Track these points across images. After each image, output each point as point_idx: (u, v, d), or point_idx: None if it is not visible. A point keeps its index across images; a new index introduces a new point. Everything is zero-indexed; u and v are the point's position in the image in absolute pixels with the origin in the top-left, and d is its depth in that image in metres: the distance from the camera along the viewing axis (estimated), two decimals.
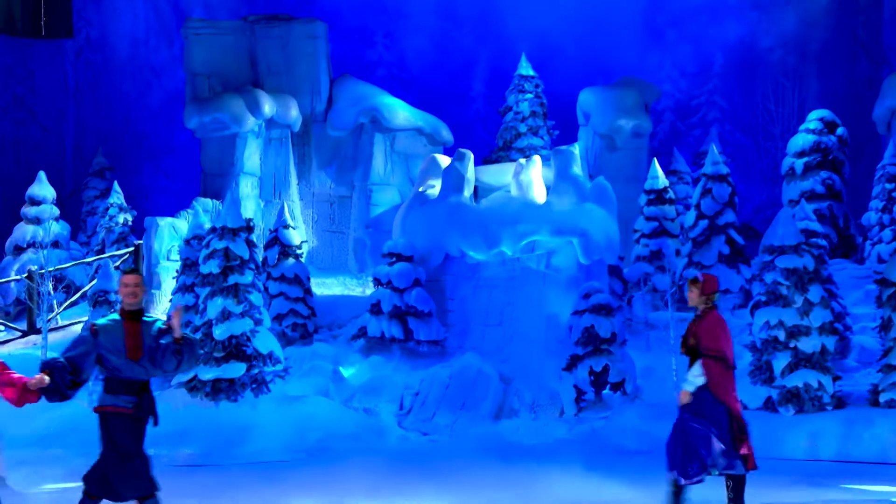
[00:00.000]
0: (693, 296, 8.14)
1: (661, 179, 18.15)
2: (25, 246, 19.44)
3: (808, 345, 12.64)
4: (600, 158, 20.51)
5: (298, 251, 16.73)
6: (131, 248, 18.43)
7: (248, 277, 13.79)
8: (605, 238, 15.60)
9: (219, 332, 13.50)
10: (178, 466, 11.35)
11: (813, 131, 19.45)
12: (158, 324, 7.04)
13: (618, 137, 20.42)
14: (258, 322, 13.62)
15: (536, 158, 16.62)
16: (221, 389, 13.33)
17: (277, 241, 16.57)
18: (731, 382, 8.08)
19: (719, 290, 8.34)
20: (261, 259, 16.17)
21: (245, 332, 13.44)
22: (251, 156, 19.75)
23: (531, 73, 21.34)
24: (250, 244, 14.11)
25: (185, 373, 7.10)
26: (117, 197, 19.74)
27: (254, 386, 13.45)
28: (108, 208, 19.69)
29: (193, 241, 15.63)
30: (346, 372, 15.02)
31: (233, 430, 12.63)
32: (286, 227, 16.65)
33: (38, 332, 17.00)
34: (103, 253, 19.05)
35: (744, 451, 8.12)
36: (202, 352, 13.45)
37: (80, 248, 20.42)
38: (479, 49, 24.37)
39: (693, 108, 24.28)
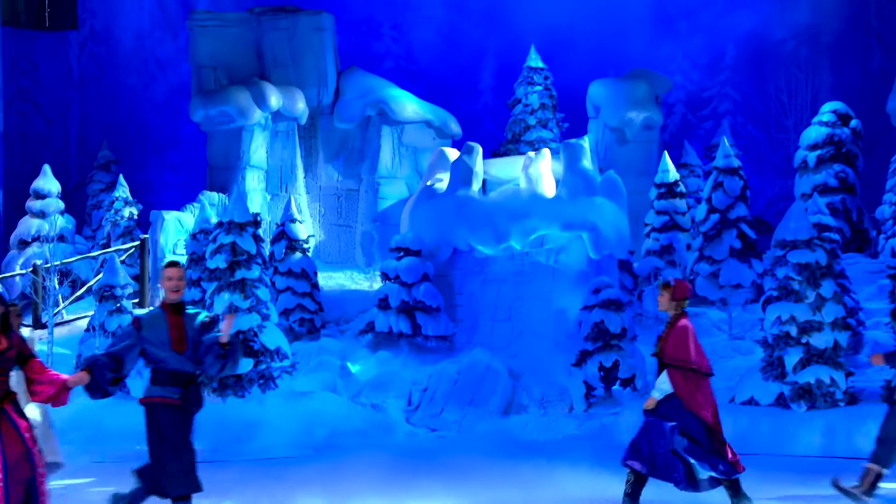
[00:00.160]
0: (663, 300, 8.05)
1: (672, 173, 18.16)
2: (30, 240, 19.53)
3: (820, 340, 12.66)
4: (610, 151, 20.52)
5: (305, 245, 16.78)
6: (137, 242, 18.51)
7: (256, 272, 13.85)
8: (615, 232, 15.62)
9: None
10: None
11: (826, 124, 19.42)
12: (201, 317, 7.09)
13: (628, 130, 20.42)
14: (265, 317, 13.68)
15: (546, 152, 16.63)
16: (228, 385, 13.40)
17: (284, 236, 16.63)
18: (698, 391, 7.96)
19: (690, 296, 8.17)
20: (267, 253, 16.23)
21: (252, 327, 13.50)
22: (257, 149, 19.80)
23: (540, 64, 21.33)
24: (257, 239, 14.16)
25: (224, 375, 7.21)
26: (123, 191, 19.81)
27: (261, 382, 13.52)
28: (113, 202, 19.77)
29: (200, 236, 15.70)
30: (354, 367, 15.08)
31: (240, 426, 12.70)
32: (293, 221, 16.71)
33: (43, 326, 17.08)
34: (109, 247, 19.14)
35: (729, 456, 8.09)
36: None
37: (85, 242, 20.51)
38: (487, 41, 24.37)
39: (704, 100, 24.26)
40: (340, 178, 20.38)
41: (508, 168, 17.68)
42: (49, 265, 16.48)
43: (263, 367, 13.53)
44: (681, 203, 18.04)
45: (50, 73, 25.03)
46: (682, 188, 18.28)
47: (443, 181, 16.70)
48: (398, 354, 15.39)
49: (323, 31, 20.45)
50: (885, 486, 8.75)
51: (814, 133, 19.41)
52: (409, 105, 20.07)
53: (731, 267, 16.60)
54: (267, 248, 16.39)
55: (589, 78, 21.02)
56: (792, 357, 12.73)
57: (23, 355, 6.76)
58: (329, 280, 18.21)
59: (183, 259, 16.95)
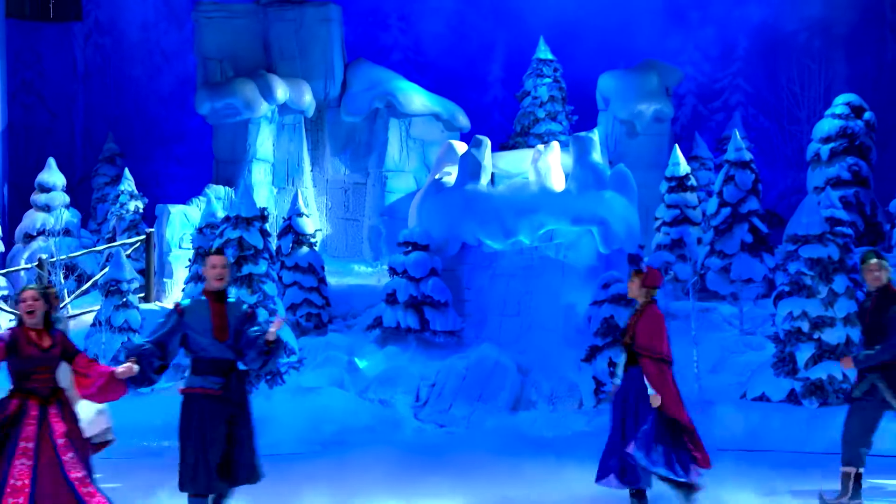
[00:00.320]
0: (633, 287, 8.15)
1: (683, 166, 18.16)
2: (35, 234, 19.62)
3: (832, 336, 12.69)
4: (620, 144, 20.53)
5: (312, 240, 16.83)
6: (143, 237, 18.58)
7: (263, 267, 13.91)
8: (625, 227, 15.64)
9: None
10: None
11: (839, 116, 19.38)
12: (243, 307, 7.12)
13: (638, 122, 20.43)
14: (272, 312, 13.74)
15: (555, 145, 16.65)
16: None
17: (291, 230, 16.68)
18: (668, 382, 8.05)
19: (660, 285, 8.26)
20: (274, 248, 16.28)
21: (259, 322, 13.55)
22: (264, 142, 19.85)
23: (550, 56, 21.33)
24: (264, 233, 14.23)
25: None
26: (128, 184, 19.86)
27: (268, 377, 13.59)
28: (118, 195, 19.82)
29: (206, 230, 15.76)
30: (362, 363, 15.14)
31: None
32: (300, 215, 16.76)
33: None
34: (114, 241, 19.21)
35: (695, 453, 8.08)
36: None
37: (90, 236, 20.57)
38: (496, 32, 24.35)
39: (716, 92, 24.22)
40: (348, 171, 20.41)
41: (517, 161, 17.73)
42: (54, 259, 16.58)
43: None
44: (692, 197, 18.05)
45: (54, 66, 25.09)
46: (692, 182, 18.28)
47: (451, 175, 16.73)
48: (406, 350, 15.44)
49: (330, 23, 20.48)
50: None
51: (827, 126, 19.38)
52: (417, 98, 20.09)
53: (742, 261, 16.61)
54: (274, 243, 16.45)
55: (599, 70, 21.02)
56: (804, 353, 12.76)
57: (68, 352, 6.79)
58: (336, 275, 18.25)
59: (189, 253, 17.02)
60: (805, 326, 12.75)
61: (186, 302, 7.18)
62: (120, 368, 6.79)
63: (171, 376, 13.24)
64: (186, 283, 16.01)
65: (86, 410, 7.01)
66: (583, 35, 23.51)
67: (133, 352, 6.97)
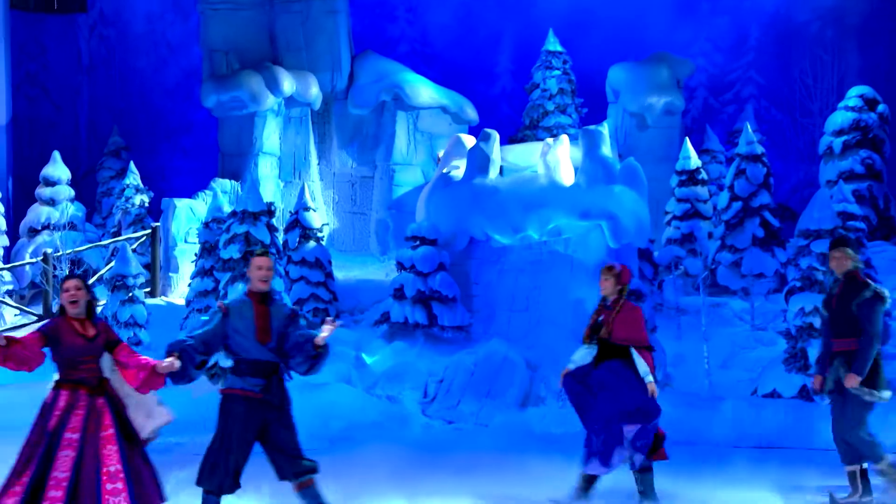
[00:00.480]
0: (608, 285, 8.39)
1: (694, 160, 18.18)
2: (40, 228, 19.69)
3: None
4: (630, 137, 20.54)
5: (319, 234, 16.87)
6: (148, 231, 18.65)
7: None
8: (634, 221, 15.65)
9: None
10: (200, 455, 11.54)
11: (852, 108, 19.38)
12: (287, 308, 7.14)
13: (649, 115, 20.43)
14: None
15: (564, 138, 16.66)
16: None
17: (298, 224, 16.72)
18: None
19: (630, 281, 8.55)
20: (281, 242, 16.34)
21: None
22: (270, 135, 19.89)
23: (559, 48, 21.32)
24: (271, 228, 14.29)
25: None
26: (134, 178, 19.92)
27: None
28: (124, 189, 19.89)
29: (212, 224, 15.82)
30: (369, 358, 15.20)
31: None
32: (307, 209, 16.80)
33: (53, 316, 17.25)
34: (119, 235, 19.29)
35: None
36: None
37: (95, 230, 20.65)
38: (504, 24, 24.33)
39: (727, 84, 24.19)
40: (355, 164, 20.45)
41: (526, 155, 17.72)
42: (60, 254, 16.66)
43: None
44: (702, 191, 18.07)
45: (59, 57, 25.16)
46: (703, 175, 18.29)
47: (459, 168, 16.75)
48: (414, 345, 15.49)
49: (337, 14, 20.49)
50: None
51: (840, 118, 19.37)
52: (424, 90, 20.11)
53: (753, 256, 16.64)
54: (280, 237, 16.51)
55: (608, 62, 21.01)
56: (815, 349, 12.77)
57: (110, 341, 6.84)
58: (343, 269, 18.29)
59: (195, 247, 17.09)
60: (817, 322, 12.77)
61: (231, 302, 7.20)
62: (162, 363, 6.84)
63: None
64: (193, 277, 16.08)
65: (146, 403, 7.02)
66: (592, 26, 23.49)
67: (175, 347, 7.01)
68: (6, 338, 6.62)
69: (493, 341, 15.17)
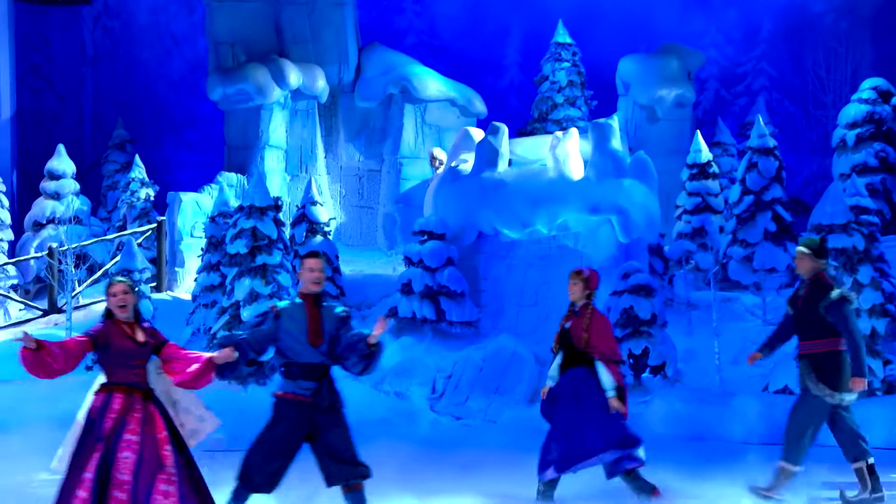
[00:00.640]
0: (577, 290, 8.38)
1: (705, 153, 18.19)
2: (45, 222, 19.77)
3: None
4: (641, 130, 20.56)
5: (326, 228, 16.93)
6: (154, 225, 18.72)
7: (277, 258, 14.03)
8: (645, 216, 15.69)
9: (247, 314, 13.77)
10: (207, 451, 11.61)
11: (866, 101, 19.35)
12: (338, 310, 7.19)
13: (659, 108, 20.45)
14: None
15: (573, 131, 16.70)
16: (250, 373, 13.61)
17: (305, 218, 16.78)
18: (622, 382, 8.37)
19: (598, 286, 8.53)
20: (288, 237, 16.40)
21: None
22: (277, 128, 19.95)
23: (568, 40, 21.33)
24: (278, 223, 14.34)
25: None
26: (139, 171, 19.99)
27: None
28: (129, 183, 19.96)
29: (219, 219, 15.88)
30: None
31: (262, 415, 12.83)
32: (313, 203, 16.85)
33: (59, 311, 17.37)
34: (125, 229, 19.36)
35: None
36: (227, 333, 13.72)
37: (100, 224, 20.72)
38: (513, 15, 24.33)
39: (739, 76, 24.18)
40: (362, 158, 20.50)
41: (535, 148, 17.76)
42: (65, 248, 16.74)
43: None
44: (713, 184, 18.08)
45: (63, 49, 25.24)
46: (714, 169, 18.30)
47: (467, 162, 16.80)
48: (422, 340, 15.55)
49: (343, 6, 20.53)
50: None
51: (853, 111, 19.36)
52: (432, 83, 20.15)
53: (765, 250, 16.65)
54: (287, 232, 16.56)
55: (619, 54, 21.02)
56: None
57: (158, 343, 6.88)
58: (350, 264, 18.35)
59: (201, 242, 17.15)
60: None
61: (283, 305, 7.25)
62: (218, 354, 6.87)
63: None
64: (199, 272, 16.15)
65: (196, 407, 7.09)
66: (602, 18, 23.49)
67: (228, 341, 7.06)
68: (36, 341, 6.64)
69: (501, 336, 15.22)
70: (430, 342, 15.49)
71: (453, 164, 16.93)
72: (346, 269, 17.62)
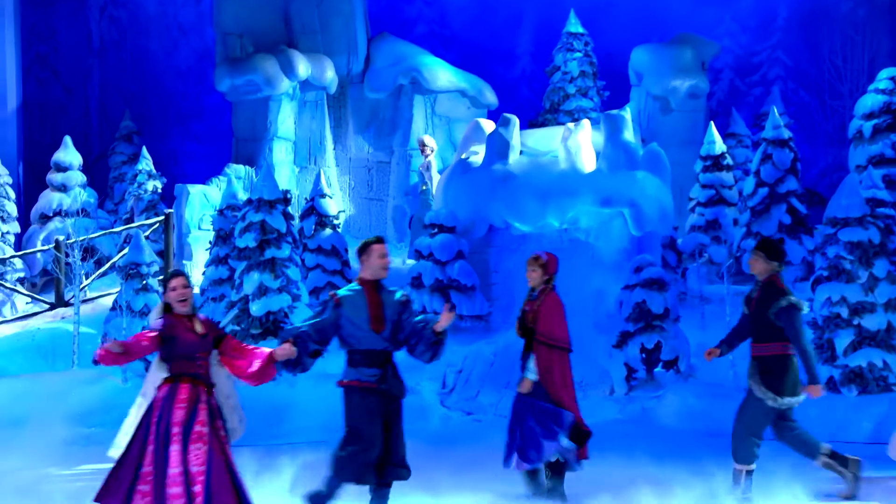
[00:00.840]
0: (535, 275, 8.50)
1: (719, 144, 18.22)
2: (52, 214, 19.87)
3: (872, 322, 12.78)
4: (654, 121, 20.58)
5: (336, 221, 17.00)
6: (161, 217, 18.81)
7: (286, 252, 14.10)
8: (657, 208, 15.73)
9: (255, 309, 13.86)
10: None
11: (883, 91, 19.32)
12: (398, 295, 7.26)
13: (673, 98, 20.47)
14: (296, 298, 13.94)
15: (585, 123, 16.73)
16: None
17: (314, 211, 16.84)
18: (560, 369, 8.48)
19: (557, 270, 8.65)
20: (297, 230, 16.48)
21: (283, 308, 13.77)
22: (285, 120, 20.02)
23: (580, 30, 21.35)
24: (287, 217, 14.41)
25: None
26: (146, 163, 20.08)
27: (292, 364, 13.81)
28: (136, 175, 20.05)
29: (227, 212, 15.97)
30: None
31: (270, 410, 12.99)
32: (322, 196, 16.91)
33: (66, 304, 17.48)
34: (132, 222, 19.47)
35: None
36: (239, 328, 13.85)
37: (107, 217, 20.83)
38: (525, 5, 24.34)
39: (754, 66, 24.16)
40: (371, 149, 20.57)
41: (546, 139, 17.79)
42: (72, 241, 16.85)
43: None
44: (727, 176, 18.10)
45: (69, 40, 25.33)
46: (728, 160, 18.32)
47: (478, 154, 16.85)
48: None
49: None
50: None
51: (870, 101, 19.34)
52: (442, 73, 20.20)
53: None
54: (296, 224, 16.64)
55: (631, 44, 21.03)
56: (843, 340, 12.87)
57: (217, 336, 6.97)
58: None
59: (208, 234, 17.25)
60: (844, 312, 12.84)
61: (343, 292, 7.29)
62: (279, 350, 6.91)
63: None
64: (207, 265, 16.25)
65: (238, 406, 7.19)
66: (615, 7, 23.50)
67: (289, 334, 7.11)
68: (121, 344, 6.77)
69: (512, 331, 15.25)
70: None
71: (464, 157, 16.98)
72: (355, 262, 17.62)
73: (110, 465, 6.85)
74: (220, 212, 16.31)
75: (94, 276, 17.77)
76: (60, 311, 17.61)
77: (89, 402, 13.22)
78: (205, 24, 24.06)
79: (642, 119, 20.49)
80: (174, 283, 6.91)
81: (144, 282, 14.83)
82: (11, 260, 18.77)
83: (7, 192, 19.72)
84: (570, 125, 16.77)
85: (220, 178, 19.10)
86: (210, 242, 16.40)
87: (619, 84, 21.20)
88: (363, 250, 7.40)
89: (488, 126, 17.18)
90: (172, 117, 24.92)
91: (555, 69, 21.41)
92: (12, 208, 19.74)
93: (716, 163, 18.12)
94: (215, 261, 15.83)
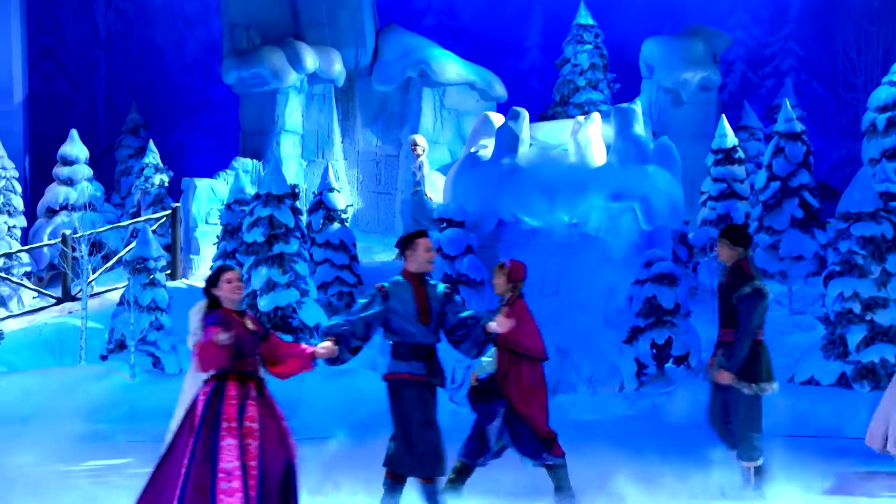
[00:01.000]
0: (500, 283, 8.43)
1: (730, 138, 18.22)
2: (58, 208, 19.94)
3: (885, 317, 12.82)
4: (665, 113, 20.58)
5: (344, 215, 17.05)
6: (168, 211, 18.87)
7: (294, 246, 14.17)
8: (668, 203, 15.75)
9: (264, 304, 13.94)
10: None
11: None
12: (440, 288, 7.28)
13: (684, 91, 20.45)
14: (304, 293, 14.00)
15: (596, 116, 16.75)
16: None
17: (322, 205, 16.89)
18: (517, 376, 8.34)
19: (526, 277, 8.52)
20: (305, 224, 16.54)
21: (291, 303, 13.84)
22: (292, 113, 20.06)
23: (591, 21, 21.33)
24: (295, 211, 14.47)
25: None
26: (153, 157, 20.13)
27: None
28: (143, 168, 20.10)
29: (235, 206, 16.03)
30: None
31: (279, 405, 13.04)
32: (330, 190, 16.96)
33: (72, 299, 17.56)
34: (139, 216, 19.53)
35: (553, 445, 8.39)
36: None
37: (114, 211, 20.88)
38: None
39: (766, 58, 24.12)
40: (379, 142, 20.60)
41: (556, 132, 17.82)
42: (79, 235, 16.92)
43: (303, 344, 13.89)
44: (739, 170, 18.10)
45: (75, 32, 25.40)
46: (740, 154, 18.32)
47: (487, 148, 16.88)
48: None
49: None
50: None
51: (884, 93, 19.31)
52: (451, 66, 20.22)
53: (792, 238, 16.70)
54: (304, 218, 16.69)
55: (642, 36, 21.01)
56: (855, 335, 12.90)
57: (264, 333, 6.94)
58: (367, 251, 18.44)
59: (216, 229, 17.32)
60: (857, 308, 12.88)
61: (390, 285, 7.33)
62: (319, 348, 6.97)
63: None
64: (214, 260, 16.33)
65: None
66: None
67: (331, 330, 7.16)
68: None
69: None
70: None
71: (473, 150, 17.02)
72: (364, 257, 17.70)
73: (118, 461, 6.88)
74: (228, 206, 16.37)
75: (101, 271, 17.84)
76: (67, 305, 17.69)
77: (97, 398, 13.30)
78: (211, 15, 24.11)
79: (653, 112, 20.49)
80: (229, 275, 6.77)
81: (152, 276, 14.90)
82: (18, 254, 18.85)
83: (13, 186, 19.80)
84: (580, 118, 16.79)
85: (228, 171, 19.15)
86: (217, 237, 16.46)
87: (630, 76, 21.19)
88: (407, 244, 7.45)
89: (497, 119, 17.21)
90: (179, 110, 24.98)
91: (565, 61, 21.40)
92: (18, 202, 19.82)
93: (727, 156, 18.12)
94: (223, 255, 15.90)
